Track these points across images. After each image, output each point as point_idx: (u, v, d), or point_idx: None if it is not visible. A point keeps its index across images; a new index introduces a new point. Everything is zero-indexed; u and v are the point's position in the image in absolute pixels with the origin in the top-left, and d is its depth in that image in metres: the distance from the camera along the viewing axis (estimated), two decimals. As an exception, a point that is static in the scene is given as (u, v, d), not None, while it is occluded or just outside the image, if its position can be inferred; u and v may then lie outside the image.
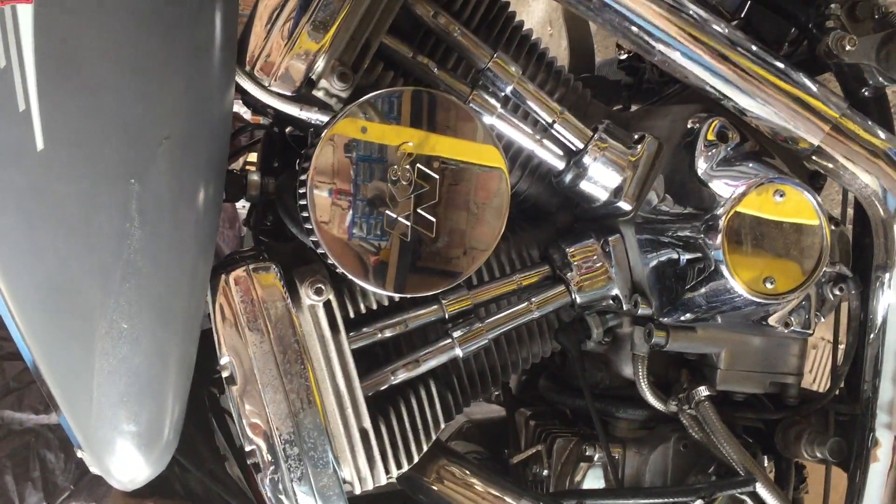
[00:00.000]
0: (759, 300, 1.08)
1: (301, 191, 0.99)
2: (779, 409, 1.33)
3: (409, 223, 1.01)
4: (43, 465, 2.46)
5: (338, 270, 1.01)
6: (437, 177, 1.01)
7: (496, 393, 1.61)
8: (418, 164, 1.01)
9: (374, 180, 1.00)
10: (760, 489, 1.21)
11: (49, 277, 0.95)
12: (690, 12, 1.13)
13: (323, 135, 0.97)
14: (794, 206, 1.09)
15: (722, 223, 1.07)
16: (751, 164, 1.14)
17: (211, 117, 0.99)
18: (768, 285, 1.07)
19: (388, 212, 1.00)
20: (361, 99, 0.99)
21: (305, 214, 0.99)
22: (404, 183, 1.00)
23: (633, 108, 1.75)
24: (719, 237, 1.07)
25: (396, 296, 1.12)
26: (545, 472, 1.40)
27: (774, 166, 1.15)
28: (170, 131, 0.95)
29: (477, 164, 1.03)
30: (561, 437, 1.37)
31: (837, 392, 1.29)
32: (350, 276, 1.01)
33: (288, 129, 1.39)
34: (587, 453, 1.35)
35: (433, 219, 1.02)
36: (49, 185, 0.92)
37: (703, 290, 1.12)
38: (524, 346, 1.28)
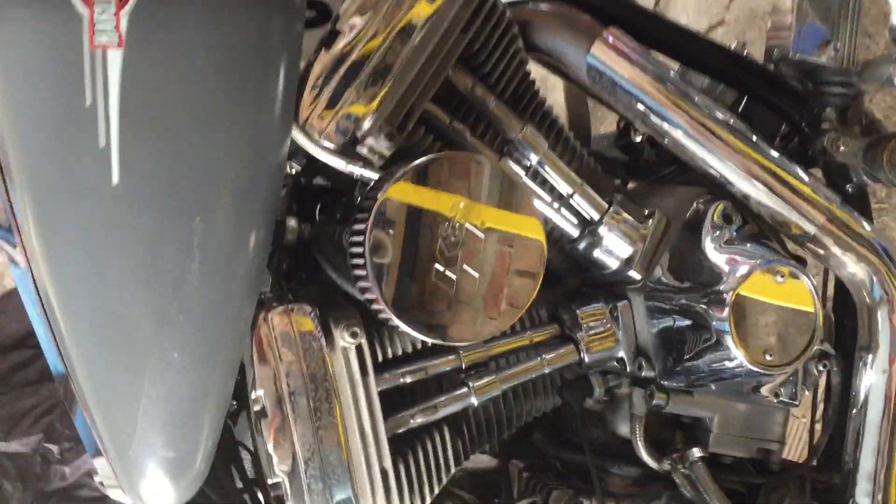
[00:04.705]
0: (758, 370, 1.18)
1: (356, 250, 1.05)
2: (761, 473, 1.42)
3: (454, 277, 1.09)
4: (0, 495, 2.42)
5: (390, 323, 1.08)
6: (482, 236, 1.10)
7: (488, 444, 1.67)
8: (467, 225, 1.09)
9: (424, 240, 1.07)
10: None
11: (108, 304, 1.00)
12: (697, 101, 1.25)
13: (379, 196, 1.04)
14: (791, 287, 1.20)
15: (729, 299, 1.17)
16: (753, 246, 1.25)
17: (269, 166, 1.06)
18: (768, 357, 1.18)
19: (437, 266, 1.08)
20: (417, 161, 1.06)
21: (361, 273, 1.05)
22: (453, 240, 1.08)
23: (629, 184, 1.85)
24: (726, 311, 1.17)
25: (450, 345, 1.20)
26: (540, 524, 1.46)
27: (774, 249, 1.26)
28: (233, 177, 1.02)
29: (520, 234, 1.12)
30: (557, 490, 1.44)
31: (815, 462, 1.38)
32: (412, 332, 1.09)
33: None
34: (582, 506, 1.42)
35: (476, 275, 1.10)
36: (120, 218, 0.98)
37: (705, 357, 1.22)
38: (529, 400, 1.35)
